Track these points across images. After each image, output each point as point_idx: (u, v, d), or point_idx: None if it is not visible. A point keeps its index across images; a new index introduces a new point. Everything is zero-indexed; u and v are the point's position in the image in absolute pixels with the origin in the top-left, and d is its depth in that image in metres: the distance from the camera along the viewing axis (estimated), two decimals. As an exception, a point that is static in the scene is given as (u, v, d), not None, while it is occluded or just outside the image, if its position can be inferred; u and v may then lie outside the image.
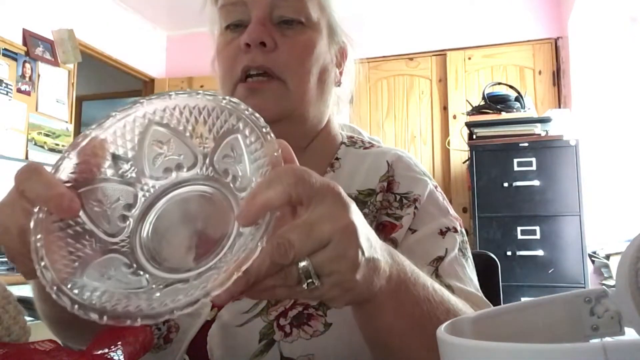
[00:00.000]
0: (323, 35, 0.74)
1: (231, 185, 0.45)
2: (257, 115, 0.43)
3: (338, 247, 0.39)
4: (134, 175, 0.47)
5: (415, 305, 0.49)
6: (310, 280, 0.39)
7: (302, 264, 0.39)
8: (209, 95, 0.46)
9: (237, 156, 0.45)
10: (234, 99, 0.45)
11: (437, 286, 0.54)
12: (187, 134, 0.47)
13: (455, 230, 0.71)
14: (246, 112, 0.44)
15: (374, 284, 0.44)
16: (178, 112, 0.47)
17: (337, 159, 0.77)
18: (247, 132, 0.44)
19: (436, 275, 0.66)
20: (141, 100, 0.47)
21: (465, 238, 0.73)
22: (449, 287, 0.63)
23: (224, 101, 0.45)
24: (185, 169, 0.48)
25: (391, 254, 0.47)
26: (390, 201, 0.72)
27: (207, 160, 0.47)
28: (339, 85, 0.80)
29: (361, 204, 0.72)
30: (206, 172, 0.47)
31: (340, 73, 0.80)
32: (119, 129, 0.46)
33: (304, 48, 0.71)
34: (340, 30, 0.78)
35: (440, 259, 0.67)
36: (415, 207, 0.71)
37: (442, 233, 0.70)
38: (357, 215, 0.42)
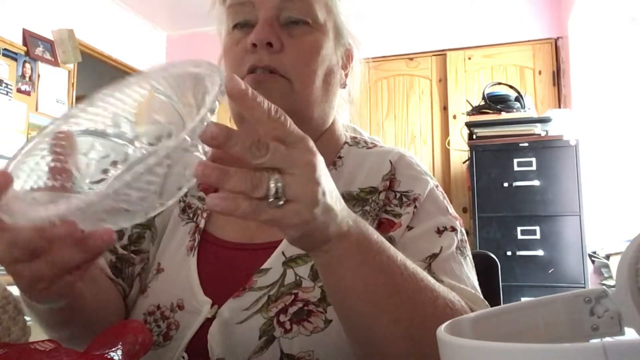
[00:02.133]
0: (329, 37, 0.74)
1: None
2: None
3: (302, 176, 0.43)
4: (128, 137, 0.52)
5: (379, 273, 0.51)
6: (278, 195, 0.41)
7: (274, 177, 0.41)
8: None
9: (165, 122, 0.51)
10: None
11: (411, 264, 0.55)
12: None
13: (453, 230, 0.71)
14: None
15: (329, 229, 0.47)
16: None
17: (339, 157, 0.78)
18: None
19: (428, 271, 0.65)
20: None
21: (465, 237, 0.73)
22: (440, 283, 0.63)
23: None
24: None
25: (355, 220, 0.50)
26: (390, 198, 0.72)
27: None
28: (344, 87, 0.80)
29: (362, 202, 0.72)
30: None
31: (346, 75, 0.80)
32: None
33: (310, 49, 0.71)
34: (346, 32, 0.78)
35: (434, 256, 0.67)
36: (415, 207, 0.71)
37: (439, 232, 0.70)
38: (321, 166, 0.45)
